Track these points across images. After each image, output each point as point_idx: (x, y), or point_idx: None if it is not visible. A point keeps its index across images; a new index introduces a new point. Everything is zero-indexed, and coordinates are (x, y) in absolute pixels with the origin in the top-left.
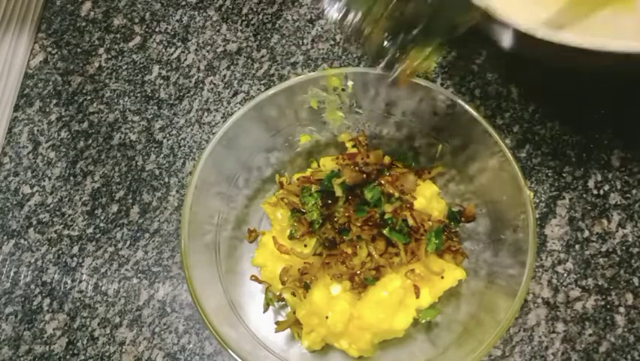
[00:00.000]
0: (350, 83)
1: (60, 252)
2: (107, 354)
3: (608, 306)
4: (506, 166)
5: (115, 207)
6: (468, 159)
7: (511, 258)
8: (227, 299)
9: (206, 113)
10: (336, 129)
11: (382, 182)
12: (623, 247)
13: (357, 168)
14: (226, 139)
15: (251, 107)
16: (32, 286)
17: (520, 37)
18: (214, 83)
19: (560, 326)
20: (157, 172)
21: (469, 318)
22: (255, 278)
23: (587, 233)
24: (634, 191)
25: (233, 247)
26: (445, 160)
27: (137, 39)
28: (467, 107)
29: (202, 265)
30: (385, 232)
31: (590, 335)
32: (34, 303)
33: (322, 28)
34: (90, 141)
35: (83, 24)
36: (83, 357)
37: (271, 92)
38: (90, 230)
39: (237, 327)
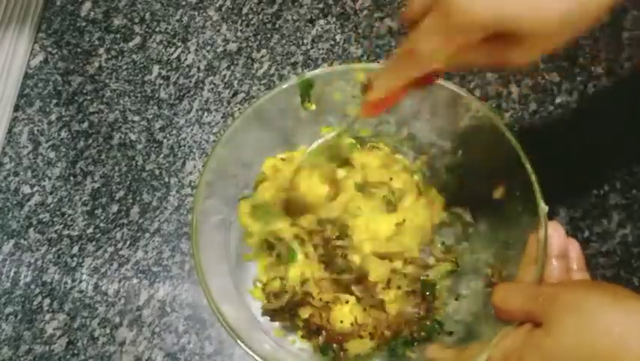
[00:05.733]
0: None
1: (60, 252)
2: (107, 354)
3: None
4: (523, 177)
5: (115, 207)
6: (487, 170)
7: (515, 259)
8: (232, 280)
9: (206, 113)
10: (358, 123)
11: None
12: (623, 247)
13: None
14: (255, 115)
15: (287, 87)
16: (32, 286)
17: None
18: (214, 83)
19: None
20: (157, 172)
21: (472, 318)
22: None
23: (587, 233)
24: (634, 191)
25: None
26: (461, 163)
27: (137, 39)
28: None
29: (211, 245)
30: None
31: None
32: (34, 303)
33: (322, 28)
34: (90, 141)
35: (83, 24)
36: (82, 357)
37: (287, 84)
38: (90, 230)
39: (238, 307)
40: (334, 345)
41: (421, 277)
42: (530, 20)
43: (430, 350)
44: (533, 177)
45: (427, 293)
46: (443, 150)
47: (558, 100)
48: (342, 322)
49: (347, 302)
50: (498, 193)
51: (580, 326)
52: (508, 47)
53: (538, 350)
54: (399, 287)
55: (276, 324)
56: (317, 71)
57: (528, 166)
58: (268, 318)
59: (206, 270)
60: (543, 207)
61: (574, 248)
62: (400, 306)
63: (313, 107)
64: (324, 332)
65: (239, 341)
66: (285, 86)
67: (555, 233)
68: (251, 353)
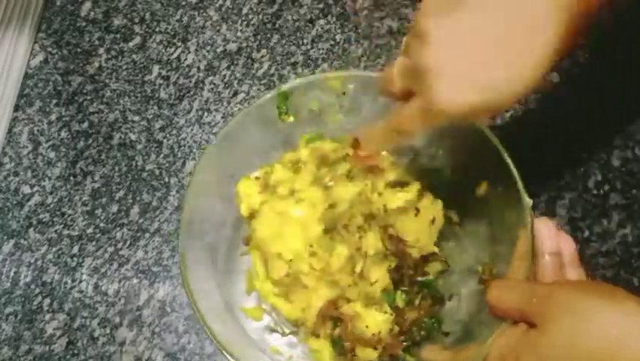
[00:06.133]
0: (351, 86)
1: (60, 252)
2: (107, 354)
3: None
4: (504, 172)
5: (115, 207)
6: (468, 167)
7: (505, 256)
8: (222, 299)
9: (206, 113)
10: (337, 131)
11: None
12: (623, 247)
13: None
14: (227, 139)
15: (253, 108)
16: (32, 286)
17: None
18: (214, 83)
19: None
20: (157, 172)
21: (468, 318)
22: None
23: (587, 233)
24: (634, 191)
25: (234, 246)
26: (443, 162)
27: (137, 39)
28: None
29: (199, 264)
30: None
31: None
32: (34, 303)
33: (322, 28)
34: (90, 141)
35: (83, 24)
36: (83, 357)
37: (270, 94)
38: (90, 230)
39: (230, 325)
40: (346, 344)
41: (418, 278)
42: (495, 102)
43: (426, 352)
44: (515, 172)
45: (437, 295)
46: (423, 149)
47: (558, 100)
48: (367, 327)
49: (385, 312)
50: (481, 190)
51: (576, 326)
52: None
53: (534, 349)
54: (417, 292)
55: (272, 341)
56: (292, 83)
57: (509, 161)
58: (264, 335)
59: (195, 292)
60: (527, 202)
61: (566, 243)
62: (417, 314)
63: (291, 118)
64: (340, 325)
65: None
66: (260, 100)
67: (545, 228)
68: None
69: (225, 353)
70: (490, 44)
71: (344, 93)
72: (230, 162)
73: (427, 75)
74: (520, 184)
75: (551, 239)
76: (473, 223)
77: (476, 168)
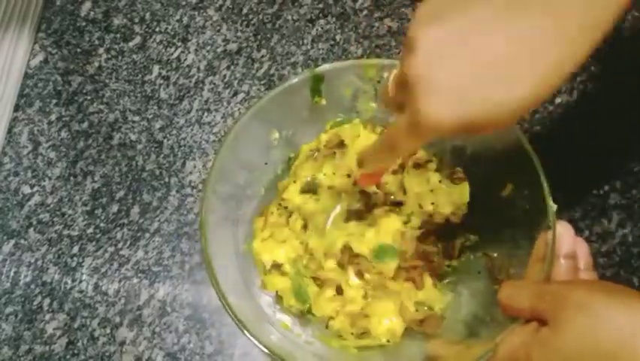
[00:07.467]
0: (386, 74)
1: (60, 252)
2: (107, 354)
3: None
4: (532, 176)
5: (115, 207)
6: (495, 168)
7: (523, 257)
8: (240, 274)
9: (206, 113)
10: (367, 119)
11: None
12: (623, 247)
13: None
14: (262, 112)
15: (288, 87)
16: (32, 286)
17: None
18: (214, 83)
19: None
20: (157, 172)
21: (472, 318)
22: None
23: (587, 233)
24: (634, 191)
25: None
26: (470, 162)
27: (137, 39)
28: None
29: (218, 240)
30: None
31: None
32: (34, 303)
33: (322, 28)
34: (90, 141)
35: (83, 24)
36: (83, 357)
37: (319, 69)
38: (90, 230)
39: (245, 299)
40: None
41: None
42: (488, 120)
43: (434, 346)
44: (542, 176)
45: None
46: (452, 146)
47: (558, 100)
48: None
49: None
50: (506, 191)
51: (588, 324)
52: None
53: (545, 347)
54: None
55: (284, 317)
56: (327, 66)
57: (537, 164)
58: (276, 310)
59: (214, 263)
60: (552, 206)
61: (582, 248)
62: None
63: (323, 101)
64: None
65: (245, 332)
66: (295, 80)
67: (566, 233)
68: (257, 343)
69: (239, 326)
70: (486, 58)
71: (379, 81)
72: (263, 134)
73: (414, 87)
74: (546, 188)
75: (569, 243)
76: (494, 223)
77: (503, 170)
